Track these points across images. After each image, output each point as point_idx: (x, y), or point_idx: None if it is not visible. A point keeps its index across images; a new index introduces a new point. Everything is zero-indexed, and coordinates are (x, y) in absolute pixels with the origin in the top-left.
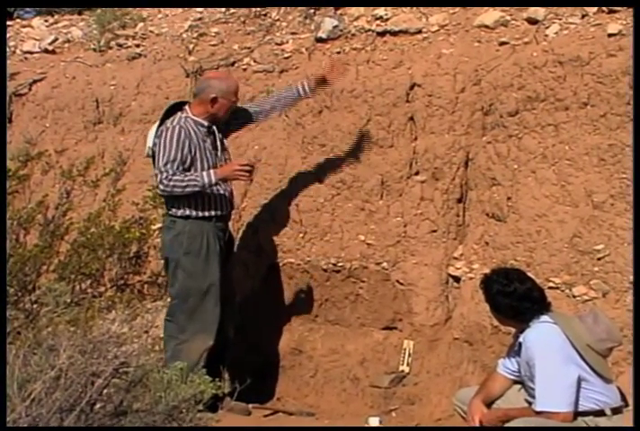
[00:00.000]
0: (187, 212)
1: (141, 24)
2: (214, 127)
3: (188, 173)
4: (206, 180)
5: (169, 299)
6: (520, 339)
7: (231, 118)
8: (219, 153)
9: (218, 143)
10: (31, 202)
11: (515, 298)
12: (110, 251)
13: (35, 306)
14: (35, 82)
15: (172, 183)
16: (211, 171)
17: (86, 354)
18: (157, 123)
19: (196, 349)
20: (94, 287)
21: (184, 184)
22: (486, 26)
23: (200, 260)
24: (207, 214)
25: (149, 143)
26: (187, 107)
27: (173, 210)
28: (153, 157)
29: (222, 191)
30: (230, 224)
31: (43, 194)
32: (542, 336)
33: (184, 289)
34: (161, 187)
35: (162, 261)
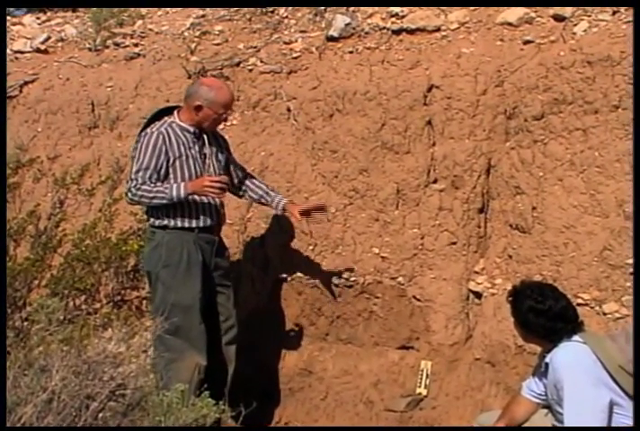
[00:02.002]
0: (165, 221)
1: (140, 22)
2: (204, 134)
3: (159, 184)
4: (174, 193)
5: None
6: (547, 360)
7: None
8: (208, 161)
9: (207, 150)
10: (22, 212)
11: (549, 317)
12: (106, 265)
13: (26, 324)
14: (26, 83)
15: (139, 193)
16: (182, 184)
17: (81, 375)
18: (141, 127)
19: (186, 368)
20: (89, 304)
21: (152, 195)
22: (510, 23)
23: (180, 273)
24: (187, 224)
25: (132, 149)
26: (176, 111)
27: (152, 220)
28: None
29: (207, 201)
30: (235, 235)
31: (35, 203)
32: (570, 356)
33: (164, 304)
34: (129, 195)
35: None
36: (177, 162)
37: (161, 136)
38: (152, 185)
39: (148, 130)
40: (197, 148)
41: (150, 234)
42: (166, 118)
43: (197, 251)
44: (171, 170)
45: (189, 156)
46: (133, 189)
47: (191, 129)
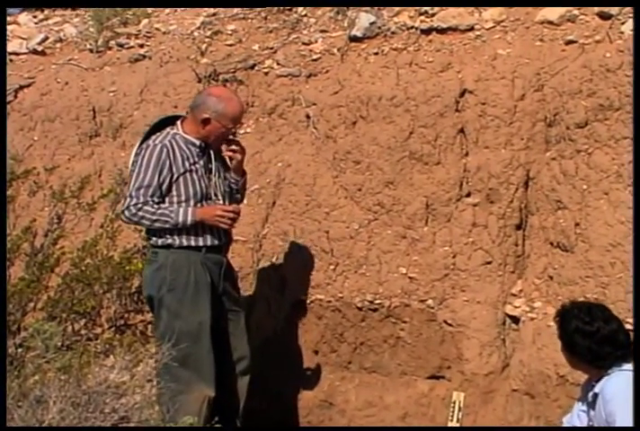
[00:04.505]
0: (169, 240)
1: (145, 21)
2: (209, 148)
3: (162, 206)
4: (180, 219)
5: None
6: (597, 390)
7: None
8: (214, 179)
9: (214, 166)
10: (17, 228)
11: (596, 340)
12: (108, 286)
13: (20, 350)
14: (22, 88)
15: (140, 213)
16: (190, 209)
17: (80, 407)
18: (141, 139)
19: (194, 400)
20: (90, 328)
21: (155, 218)
22: (550, 22)
23: (187, 298)
24: (194, 243)
25: (131, 161)
26: (179, 121)
27: (154, 239)
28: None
29: None
30: (249, 254)
31: (30, 219)
32: (624, 387)
33: (170, 332)
34: (126, 214)
35: None
36: (181, 179)
37: (165, 150)
38: (155, 206)
39: (150, 142)
40: (202, 163)
41: (152, 255)
42: (169, 129)
43: (205, 273)
44: (174, 186)
45: (193, 172)
46: (133, 208)
47: (197, 143)
